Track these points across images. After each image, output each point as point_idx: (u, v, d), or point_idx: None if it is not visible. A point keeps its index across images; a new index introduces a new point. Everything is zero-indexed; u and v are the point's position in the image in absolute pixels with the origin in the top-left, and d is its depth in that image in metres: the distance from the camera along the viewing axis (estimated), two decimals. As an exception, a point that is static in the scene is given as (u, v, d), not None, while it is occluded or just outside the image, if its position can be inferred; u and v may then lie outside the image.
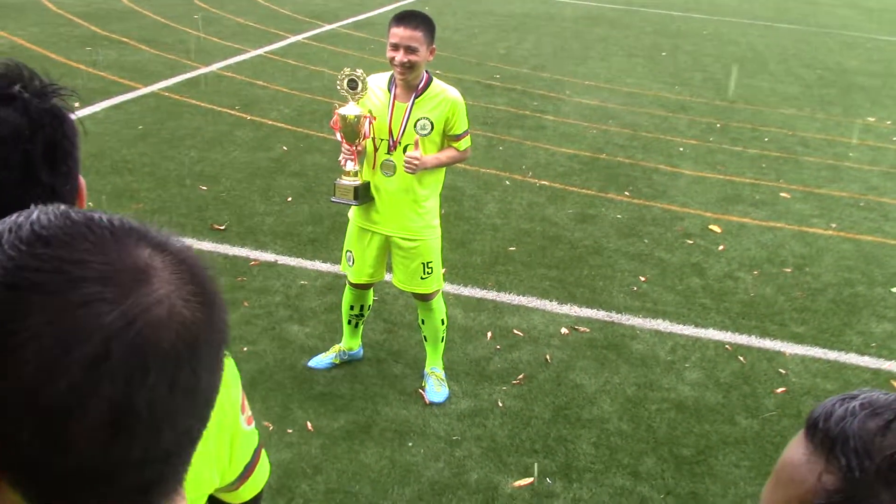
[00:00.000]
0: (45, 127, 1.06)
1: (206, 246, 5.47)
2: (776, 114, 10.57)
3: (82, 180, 1.16)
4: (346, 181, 3.83)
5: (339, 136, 3.80)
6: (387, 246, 3.97)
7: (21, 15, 12.07)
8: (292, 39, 12.32)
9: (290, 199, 6.39)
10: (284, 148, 7.50)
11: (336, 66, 10.70)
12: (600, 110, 9.91)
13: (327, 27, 13.62)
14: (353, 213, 4.00)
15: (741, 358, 4.72)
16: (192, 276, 0.69)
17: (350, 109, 3.71)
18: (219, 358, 0.71)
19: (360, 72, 3.71)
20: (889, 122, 10.83)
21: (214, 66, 10.16)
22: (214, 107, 8.51)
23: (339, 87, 3.73)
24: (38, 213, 0.67)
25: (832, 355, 4.86)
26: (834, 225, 6.90)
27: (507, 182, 7.18)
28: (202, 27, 12.46)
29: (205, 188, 6.44)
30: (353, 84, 3.71)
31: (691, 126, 9.61)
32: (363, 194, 3.86)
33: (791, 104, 11.23)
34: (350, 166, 3.81)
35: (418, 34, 3.64)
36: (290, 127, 8.12)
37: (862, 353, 4.91)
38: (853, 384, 4.56)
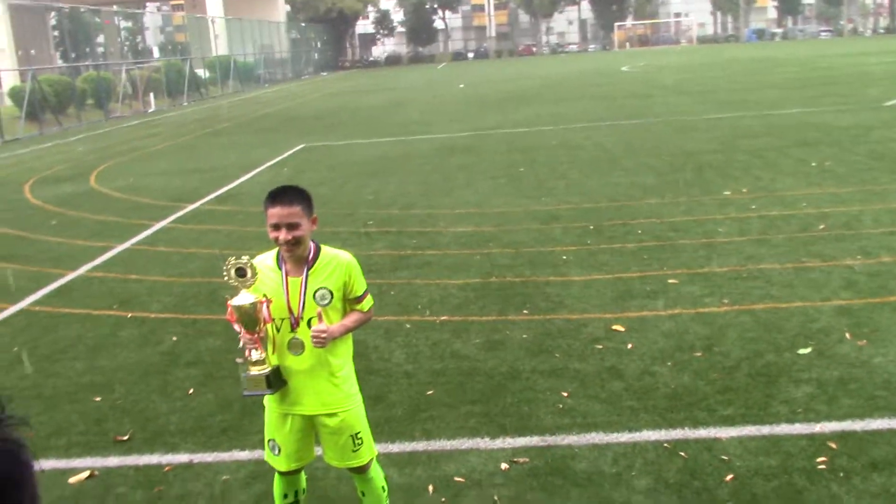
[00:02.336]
0: None
1: (113, 462, 5.11)
2: (641, 205, 11.03)
3: None
4: (256, 371, 3.66)
5: (236, 328, 3.65)
6: (311, 425, 3.79)
7: None
8: (157, 226, 12.13)
9: (191, 390, 6.11)
10: (174, 338, 7.23)
11: (207, 243, 10.57)
12: (478, 235, 10.09)
13: (191, 207, 13.50)
14: (269, 399, 3.82)
15: (682, 453, 4.70)
16: None
17: (243, 298, 3.58)
18: None
19: (245, 258, 3.61)
20: (745, 191, 11.48)
21: (82, 269, 9.83)
22: (91, 311, 8.18)
23: (226, 278, 3.60)
24: None
25: (765, 430, 4.90)
26: (726, 301, 7.12)
27: (408, 325, 7.12)
28: (61, 232, 12.12)
29: (98, 398, 6.08)
30: (241, 272, 3.59)
31: (567, 233, 9.88)
32: (275, 381, 3.69)
33: (652, 194, 11.76)
34: (256, 355, 3.65)
35: (296, 209, 3.59)
36: (175, 315, 7.87)
37: (792, 422, 4.97)
38: (794, 455, 4.60)
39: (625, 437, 4.95)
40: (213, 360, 6.68)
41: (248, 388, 3.69)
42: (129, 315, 7.97)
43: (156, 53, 65.03)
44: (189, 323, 7.64)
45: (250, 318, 3.58)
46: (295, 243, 3.58)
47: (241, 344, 3.66)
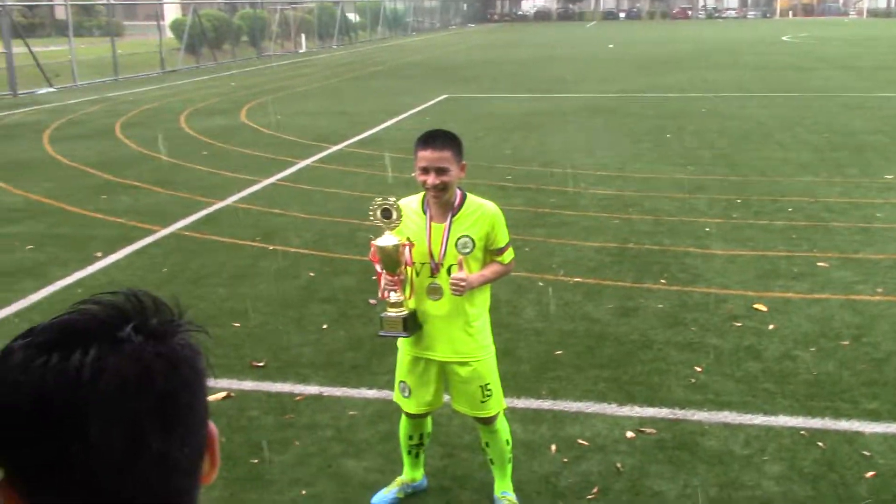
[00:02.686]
0: (156, 378, 0.86)
1: (248, 385, 5.31)
2: (794, 182, 10.52)
3: (213, 428, 0.96)
4: (393, 313, 3.69)
5: (378, 268, 3.68)
6: (442, 372, 3.81)
7: (35, 172, 12.25)
8: (302, 164, 12.44)
9: (325, 326, 6.27)
10: (311, 274, 7.42)
11: (348, 185, 10.77)
12: (618, 199, 9.87)
13: (334, 148, 13.78)
14: (402, 342, 3.85)
15: (820, 444, 4.48)
16: None
17: (387, 240, 3.60)
18: None
19: (392, 200, 3.62)
20: (908, 178, 10.76)
21: (229, 200, 10.21)
22: (235, 240, 8.49)
23: (371, 218, 3.63)
24: None
25: (914, 429, 4.62)
26: (880, 290, 6.72)
27: (541, 283, 7.05)
28: (212, 163, 12.61)
29: (237, 325, 6.32)
30: (386, 213, 3.60)
31: (712, 205, 9.53)
32: (412, 324, 3.71)
33: (806, 171, 11.19)
34: (395, 297, 3.67)
35: (447, 154, 3.56)
36: (314, 252, 8.07)
37: (945, 424, 4.67)
38: (945, 459, 4.32)
39: (759, 419, 4.76)
40: (347, 298, 6.82)
41: (384, 329, 3.73)
42: (271, 248, 8.23)
43: (310, -5, 66.23)
44: (327, 260, 7.81)
45: (392, 259, 3.60)
46: (442, 188, 3.56)
47: (381, 285, 3.69)
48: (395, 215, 3.59)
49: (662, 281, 7.05)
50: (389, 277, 3.65)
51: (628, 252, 7.86)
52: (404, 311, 3.68)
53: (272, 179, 11.38)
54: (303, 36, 45.68)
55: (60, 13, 40.83)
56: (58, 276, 7.48)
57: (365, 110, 18.53)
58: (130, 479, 0.85)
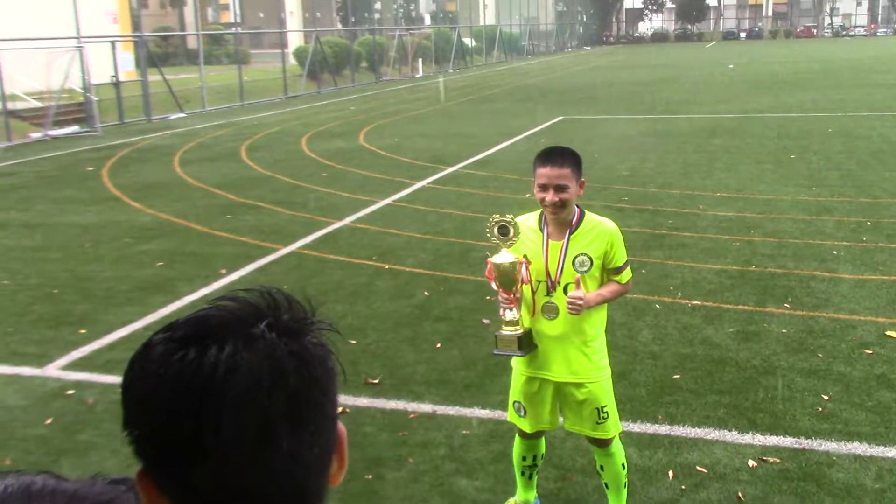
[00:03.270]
0: (288, 376, 0.88)
1: (363, 402, 5.39)
2: (929, 205, 9.98)
3: (342, 429, 0.97)
4: (508, 331, 3.67)
5: (493, 286, 3.68)
6: (558, 392, 3.76)
7: (165, 192, 12.83)
8: (417, 185, 12.61)
9: (438, 345, 6.31)
10: (426, 293, 7.50)
11: (463, 206, 10.84)
12: (739, 221, 9.59)
13: (449, 170, 13.91)
14: (517, 361, 3.83)
15: (960, 479, 4.21)
16: None
17: (503, 257, 3.58)
18: None
19: (510, 217, 3.61)
20: None
21: (347, 220, 10.44)
22: (352, 259, 8.66)
23: (489, 235, 3.63)
24: None
25: None
26: None
27: (658, 305, 6.91)
28: (331, 184, 12.93)
29: (354, 342, 6.43)
30: (504, 230, 3.59)
31: (840, 227, 9.15)
32: (527, 343, 3.68)
33: (943, 193, 10.61)
34: (510, 315, 3.65)
35: (566, 171, 3.53)
36: (428, 272, 8.15)
37: None
38: None
39: (892, 452, 4.51)
40: (460, 317, 6.85)
41: (500, 348, 3.72)
42: (387, 267, 8.36)
43: (427, 21, 67.36)
44: (441, 279, 7.88)
45: (508, 277, 3.59)
46: (561, 206, 3.53)
47: (500, 303, 3.67)
48: (512, 232, 3.59)
49: (787, 305, 6.80)
50: (505, 295, 3.64)
51: (749, 275, 7.61)
52: (519, 330, 3.66)
53: (388, 200, 11.58)
54: (420, 60, 46.46)
55: (192, 43, 42.82)
56: (185, 291, 7.79)
57: (480, 132, 18.65)
58: (260, 475, 0.87)
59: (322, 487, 0.93)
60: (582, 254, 3.60)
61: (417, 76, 44.44)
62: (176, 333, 0.90)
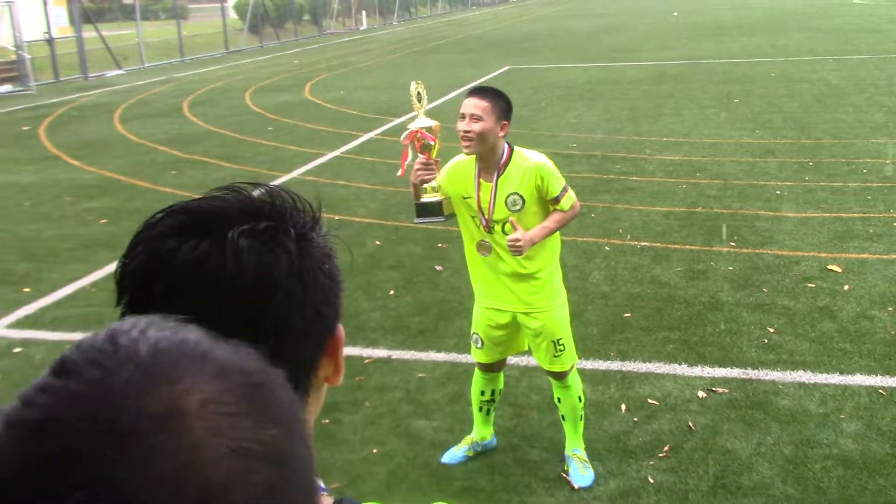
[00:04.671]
0: (244, 283, 0.85)
1: (318, 349, 5.38)
2: (868, 144, 10.20)
3: (341, 331, 0.95)
4: (428, 198, 3.70)
5: (410, 153, 3.70)
6: (515, 324, 3.81)
7: (107, 150, 12.54)
8: (365, 137, 12.51)
9: (392, 292, 6.32)
10: (378, 242, 7.48)
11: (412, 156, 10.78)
12: (685, 165, 9.70)
13: (397, 121, 13.80)
14: (476, 295, 3.87)
15: (899, 402, 4.37)
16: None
17: (421, 121, 3.62)
18: None
19: (421, 85, 3.73)
20: None
21: (295, 173, 10.33)
22: (302, 211, 8.57)
23: (412, 101, 3.71)
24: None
25: None
26: (962, 249, 6.50)
27: (608, 248, 6.99)
28: (278, 137, 12.76)
29: (306, 292, 6.40)
30: (419, 97, 3.70)
31: (782, 168, 9.31)
32: (448, 208, 3.73)
33: (881, 133, 10.84)
34: (431, 182, 3.65)
35: (484, 104, 3.54)
36: (379, 221, 8.13)
37: None
38: None
39: (834, 378, 4.66)
40: (412, 265, 6.85)
41: (420, 215, 3.74)
42: (337, 217, 8.30)
43: (370, -27, 66.26)
44: (392, 229, 7.86)
45: (426, 141, 3.60)
46: (472, 139, 3.52)
47: (417, 172, 3.63)
48: (423, 95, 3.68)
49: (732, 244, 6.93)
50: (426, 159, 3.62)
51: (696, 216, 7.73)
52: (439, 197, 3.68)
53: (337, 152, 11.47)
54: (363, 13, 45.77)
55: (127, -2, 41.58)
56: (132, 247, 7.65)
57: (427, 84, 18.45)
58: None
59: (309, 368, 0.92)
60: (512, 193, 3.60)
61: (362, 28, 43.81)
62: (173, 219, 0.88)
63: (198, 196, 0.92)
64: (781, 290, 5.92)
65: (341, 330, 0.95)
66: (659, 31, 30.78)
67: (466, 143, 3.56)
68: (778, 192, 8.33)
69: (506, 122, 3.59)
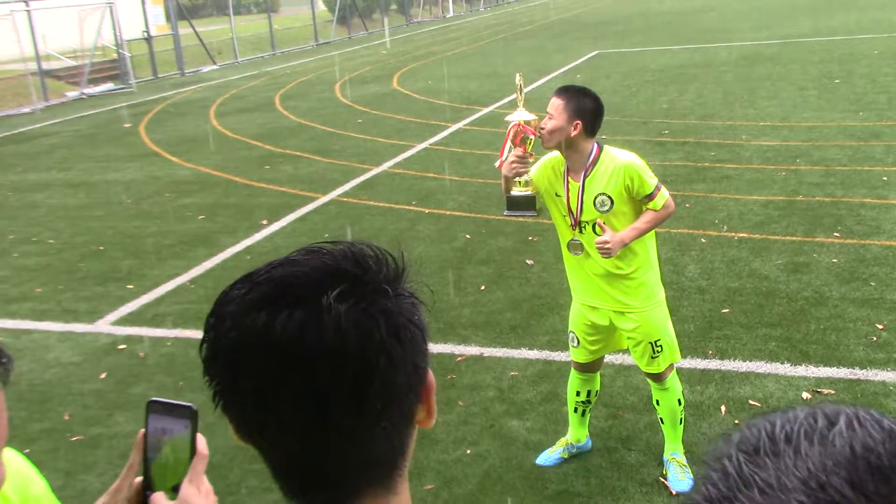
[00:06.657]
0: (350, 351, 0.82)
1: (410, 346, 5.40)
2: (983, 125, 9.67)
3: (431, 379, 0.92)
4: (519, 192, 3.69)
5: (508, 145, 3.68)
6: (611, 324, 3.74)
7: (203, 145, 12.87)
8: (454, 128, 12.50)
9: (483, 287, 6.29)
10: (468, 236, 7.46)
11: (501, 146, 10.71)
12: (784, 150, 9.37)
13: (485, 110, 13.75)
14: (573, 290, 3.81)
15: None
16: None
17: (520, 114, 3.66)
18: None
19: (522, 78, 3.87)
20: None
21: (385, 166, 10.39)
22: (392, 205, 8.63)
23: (516, 95, 3.82)
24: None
25: None
26: None
27: (703, 240, 6.81)
28: (367, 130, 12.86)
29: (397, 287, 6.43)
30: (520, 90, 3.80)
31: (889, 152, 8.90)
32: (539, 204, 3.76)
33: None
34: (524, 176, 3.66)
35: (558, 101, 3.52)
36: (468, 214, 8.10)
37: None
38: None
39: (951, 380, 4.43)
40: (503, 259, 6.81)
41: (511, 208, 3.74)
42: (427, 211, 8.32)
43: (455, -41, 66.13)
44: (482, 222, 7.83)
45: (524, 134, 3.61)
46: (547, 135, 3.51)
47: (512, 166, 3.60)
48: (522, 85, 3.80)
49: (836, 234, 6.66)
50: (522, 152, 3.59)
51: (797, 205, 7.46)
52: (531, 191, 3.67)
53: (425, 144, 11.49)
54: (450, 0, 45.74)
55: (220, -7, 42.58)
56: (227, 243, 7.84)
57: (515, 71, 18.35)
58: (315, 447, 0.86)
59: (395, 455, 0.91)
60: (600, 194, 3.54)
61: (448, 16, 43.81)
62: (252, 294, 0.86)
63: (272, 262, 0.90)
64: (891, 284, 5.65)
65: (431, 375, 0.93)
66: (753, 10, 29.81)
67: (545, 143, 3.58)
68: (885, 178, 7.97)
69: (579, 122, 3.50)
